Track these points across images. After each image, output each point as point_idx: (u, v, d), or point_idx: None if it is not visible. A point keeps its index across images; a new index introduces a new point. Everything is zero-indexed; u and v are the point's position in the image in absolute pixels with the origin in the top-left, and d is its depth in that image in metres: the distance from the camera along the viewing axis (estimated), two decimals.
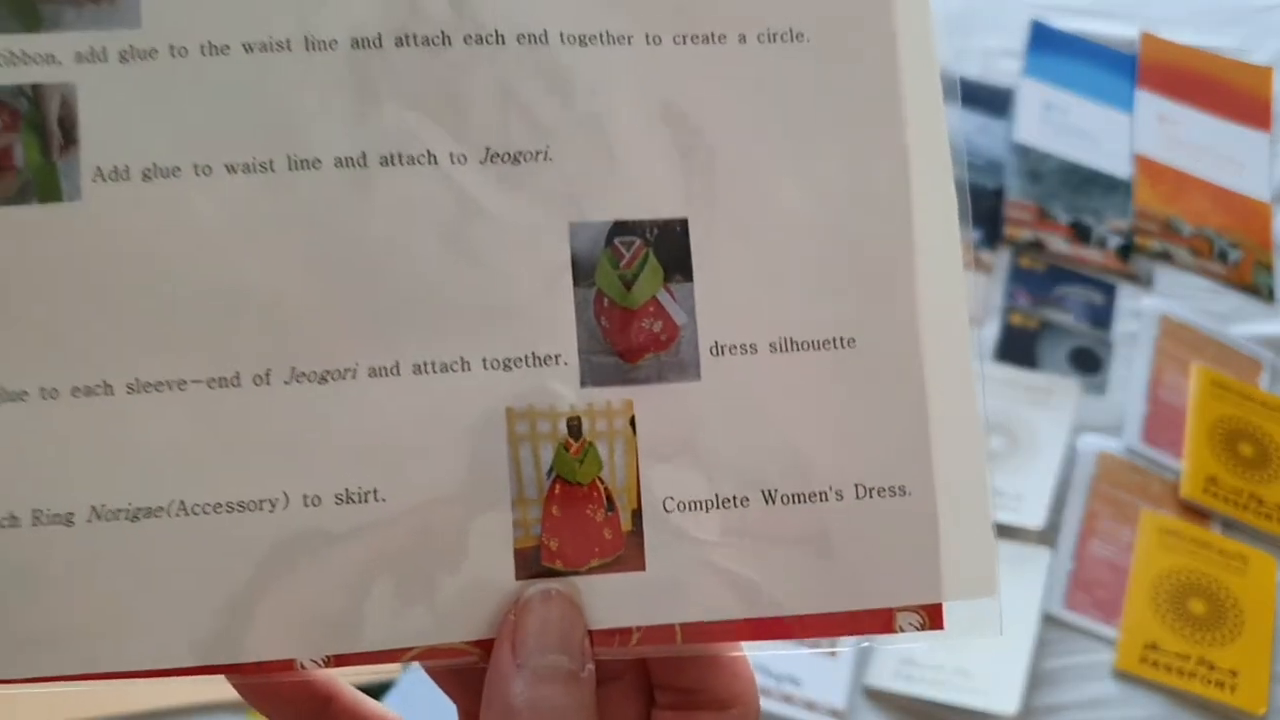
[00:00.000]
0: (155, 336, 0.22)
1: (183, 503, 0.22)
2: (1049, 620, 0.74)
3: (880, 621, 0.24)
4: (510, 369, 0.23)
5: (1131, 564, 0.78)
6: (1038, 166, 0.95)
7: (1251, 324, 0.90)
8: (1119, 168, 0.96)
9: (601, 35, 0.23)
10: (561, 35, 0.23)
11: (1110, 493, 0.81)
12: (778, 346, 0.24)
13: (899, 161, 0.24)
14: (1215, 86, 1.03)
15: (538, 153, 0.23)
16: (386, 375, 0.23)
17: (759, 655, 0.69)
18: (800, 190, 0.24)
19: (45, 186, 0.22)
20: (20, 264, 0.22)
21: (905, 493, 0.24)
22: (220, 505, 0.22)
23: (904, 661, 0.71)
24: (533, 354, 0.23)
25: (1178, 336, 0.88)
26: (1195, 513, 0.81)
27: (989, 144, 0.96)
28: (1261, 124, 1.02)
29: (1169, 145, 0.98)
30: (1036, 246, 0.91)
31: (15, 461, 0.22)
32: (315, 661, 0.22)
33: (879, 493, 0.24)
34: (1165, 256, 0.92)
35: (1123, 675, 0.74)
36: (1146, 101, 1.00)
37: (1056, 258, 0.91)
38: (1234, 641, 0.75)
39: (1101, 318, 0.89)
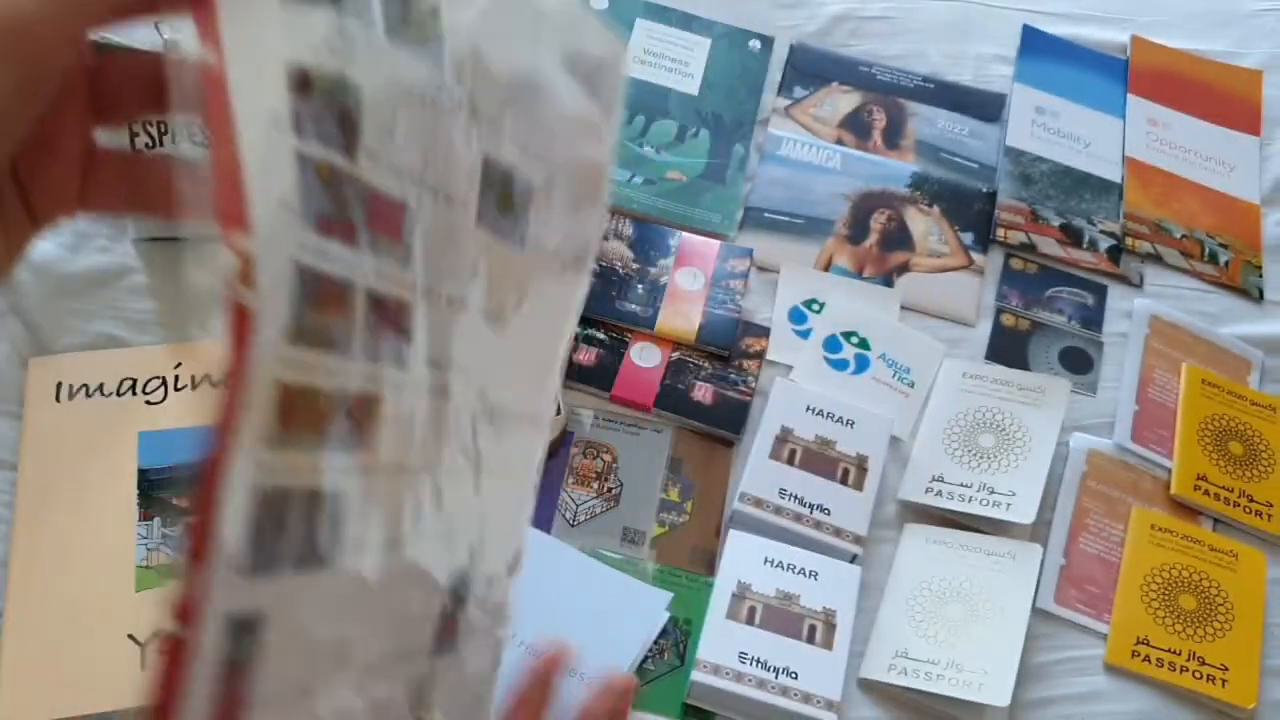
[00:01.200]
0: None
1: None
2: (1040, 615, 0.75)
3: None
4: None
5: (1122, 560, 0.79)
6: (1029, 170, 0.96)
7: (1241, 324, 0.91)
8: (1110, 171, 0.97)
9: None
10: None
11: (1100, 490, 0.81)
12: None
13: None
14: (1205, 90, 1.04)
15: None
16: None
17: (758, 648, 0.70)
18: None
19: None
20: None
21: None
22: None
23: (898, 654, 0.72)
24: None
25: (1168, 336, 0.89)
26: (1186, 510, 0.82)
27: (982, 148, 0.97)
28: (1251, 127, 1.02)
29: (1159, 148, 0.99)
30: (1028, 248, 0.92)
31: None
32: None
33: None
34: (1155, 258, 0.93)
35: (1113, 669, 0.74)
36: (1137, 105, 1.01)
37: (1048, 259, 0.92)
38: (1224, 637, 0.76)
39: (1092, 318, 0.90)
